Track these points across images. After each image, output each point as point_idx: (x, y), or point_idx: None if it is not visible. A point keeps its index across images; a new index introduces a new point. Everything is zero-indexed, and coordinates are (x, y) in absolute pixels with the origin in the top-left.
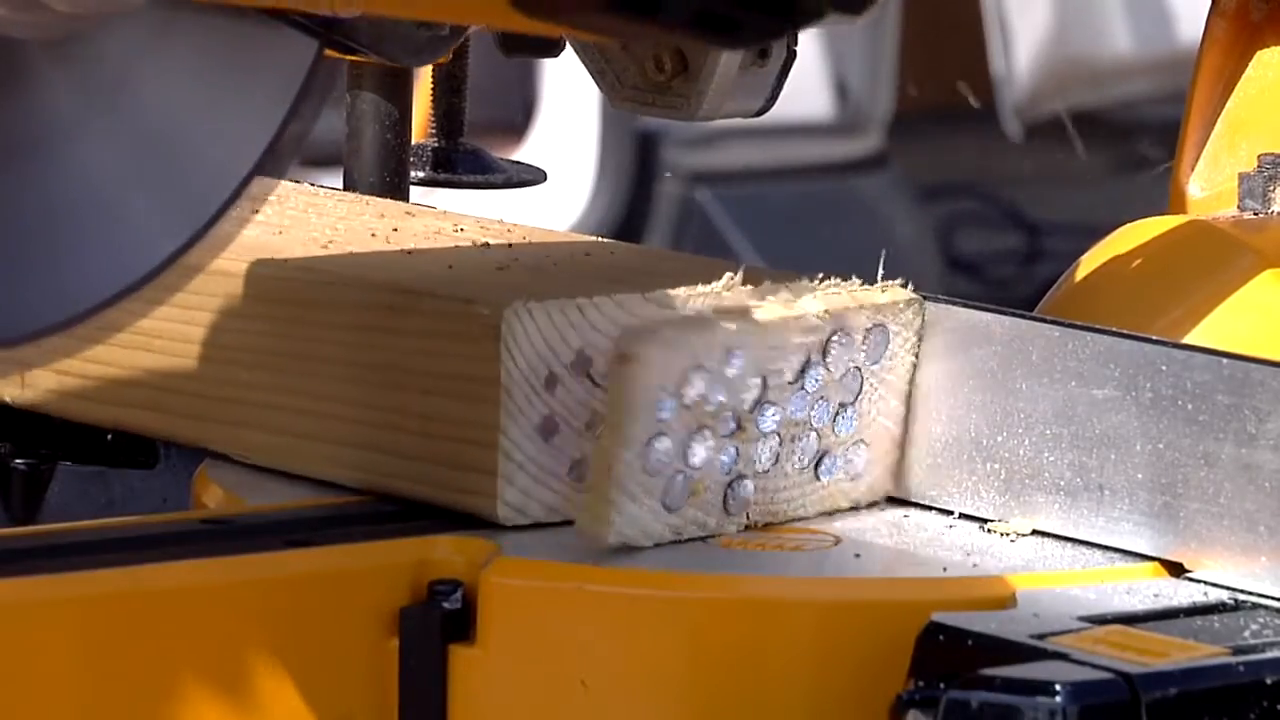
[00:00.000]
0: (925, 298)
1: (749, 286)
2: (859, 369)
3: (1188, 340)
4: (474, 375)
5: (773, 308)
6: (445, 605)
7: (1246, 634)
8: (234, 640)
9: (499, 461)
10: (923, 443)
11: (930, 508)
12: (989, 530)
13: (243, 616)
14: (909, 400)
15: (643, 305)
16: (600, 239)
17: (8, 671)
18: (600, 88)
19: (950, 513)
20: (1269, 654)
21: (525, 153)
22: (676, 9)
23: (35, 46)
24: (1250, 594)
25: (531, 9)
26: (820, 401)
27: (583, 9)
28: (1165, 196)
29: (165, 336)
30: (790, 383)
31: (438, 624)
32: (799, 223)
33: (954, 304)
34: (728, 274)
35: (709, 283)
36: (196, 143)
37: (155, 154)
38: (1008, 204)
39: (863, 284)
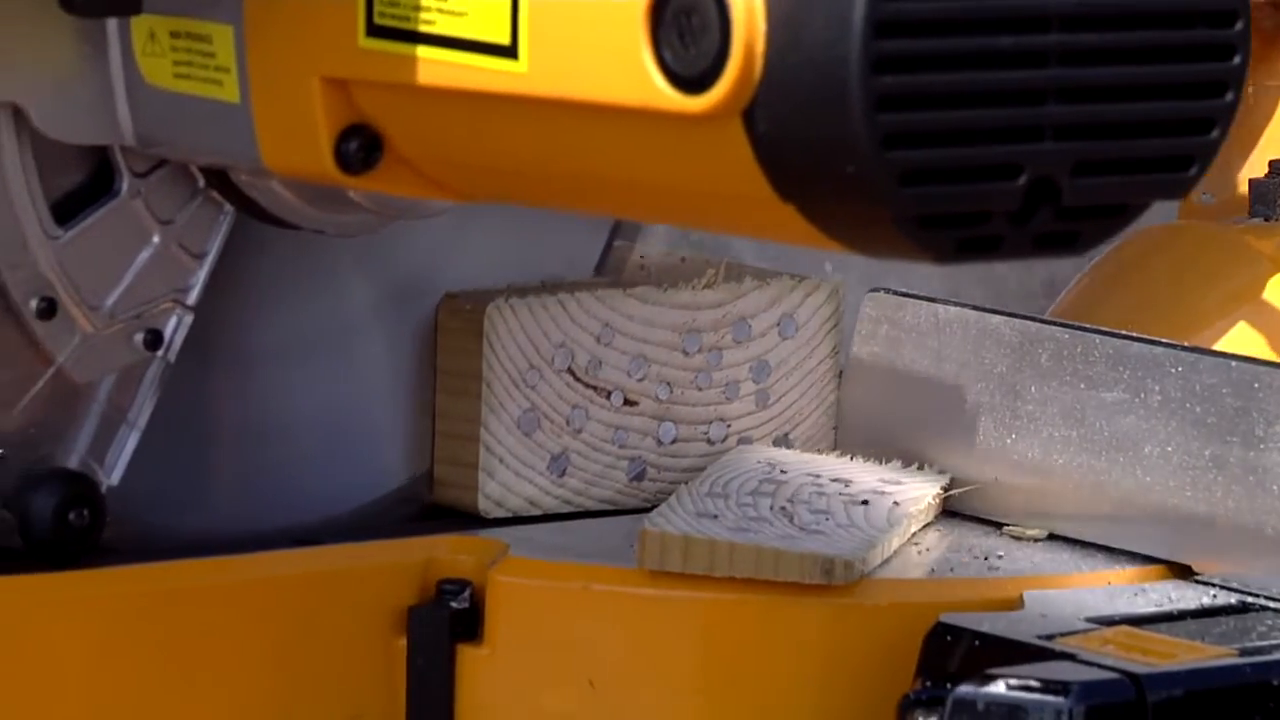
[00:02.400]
0: (936, 301)
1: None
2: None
3: (1197, 344)
4: (455, 369)
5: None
6: (453, 605)
7: (1254, 635)
8: (243, 638)
9: (480, 454)
10: (930, 444)
11: (946, 510)
12: (1004, 533)
13: (252, 615)
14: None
15: (623, 300)
16: None
17: (18, 667)
18: None
19: (962, 515)
20: (1276, 655)
21: None
22: (1018, 244)
23: (341, 243)
24: (1258, 596)
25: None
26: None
27: (928, 258)
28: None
29: None
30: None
31: (446, 623)
32: None
33: (964, 307)
34: (710, 270)
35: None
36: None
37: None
38: None
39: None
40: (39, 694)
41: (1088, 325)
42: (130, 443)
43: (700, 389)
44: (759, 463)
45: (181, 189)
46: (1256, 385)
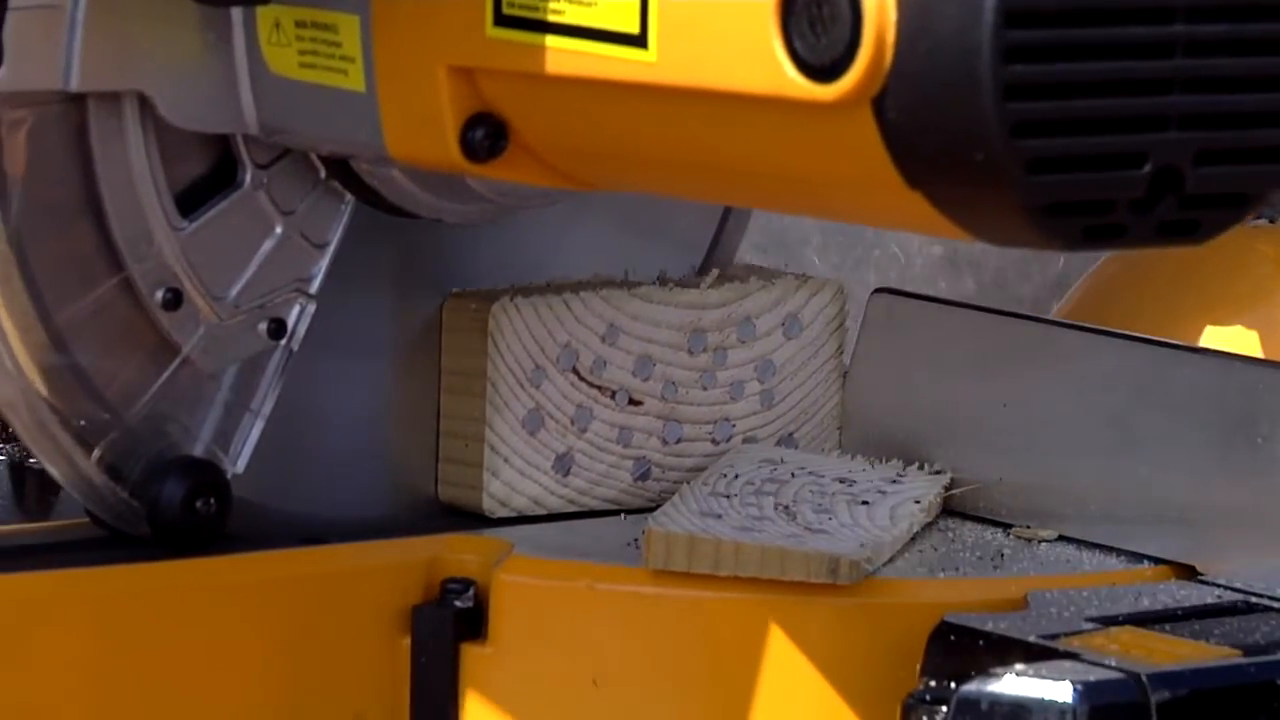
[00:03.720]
0: (940, 301)
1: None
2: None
3: (1202, 345)
4: (460, 369)
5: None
6: (457, 604)
7: (1257, 635)
8: (247, 637)
9: (484, 454)
10: (934, 444)
11: (950, 510)
12: (1013, 534)
13: (256, 614)
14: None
15: (628, 299)
16: None
17: (20, 666)
18: None
19: (966, 515)
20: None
21: None
22: (1141, 232)
23: (463, 229)
24: (1262, 596)
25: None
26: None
27: (1054, 245)
28: None
29: None
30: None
31: (450, 622)
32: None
33: (968, 307)
34: (715, 269)
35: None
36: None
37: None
38: None
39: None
40: (40, 694)
41: (1093, 325)
42: (255, 431)
43: (705, 389)
44: (762, 462)
45: (303, 179)
46: (1261, 386)
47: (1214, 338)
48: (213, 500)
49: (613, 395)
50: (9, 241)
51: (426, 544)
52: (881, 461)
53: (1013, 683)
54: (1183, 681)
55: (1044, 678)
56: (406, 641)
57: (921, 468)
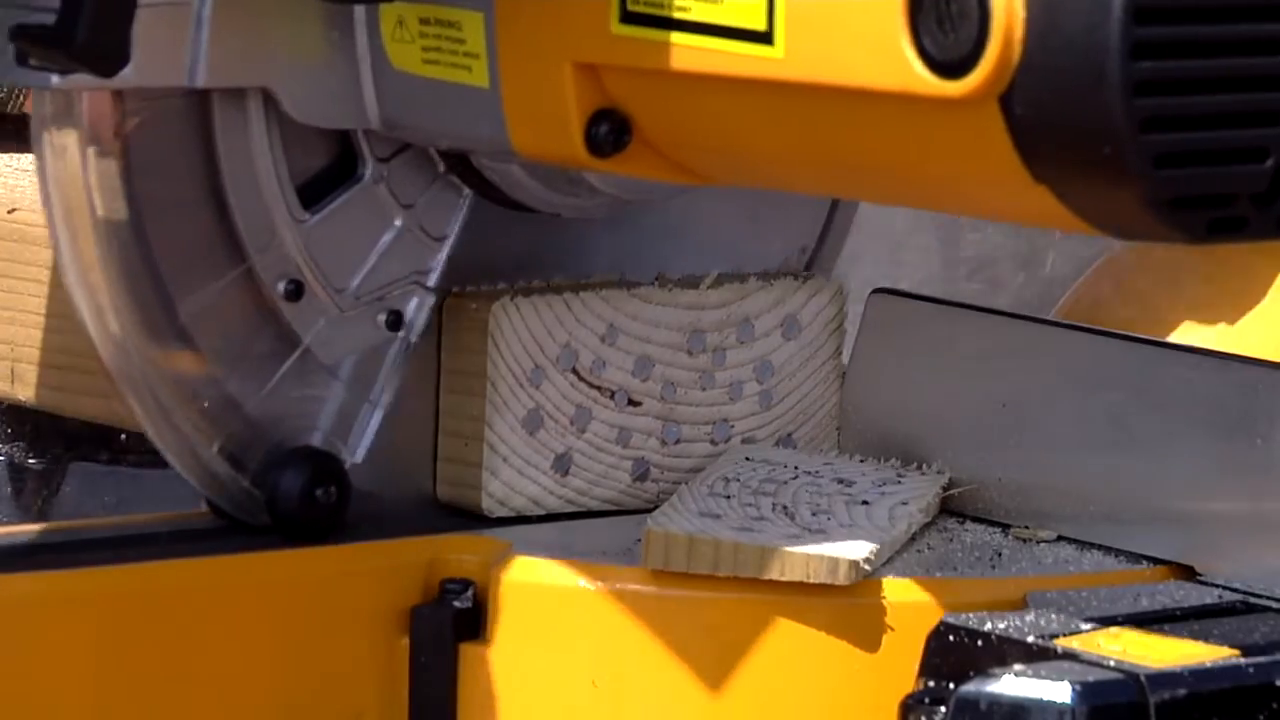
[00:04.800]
0: (938, 301)
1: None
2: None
3: (1200, 345)
4: (460, 368)
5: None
6: (456, 604)
7: (1256, 636)
8: (246, 637)
9: (484, 454)
10: (933, 444)
11: (948, 510)
12: (1013, 534)
13: (253, 614)
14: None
15: (627, 300)
16: None
17: (19, 665)
18: None
19: (964, 515)
20: (1279, 656)
21: None
22: (1262, 225)
23: (580, 224)
24: (1261, 596)
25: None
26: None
27: (1178, 238)
28: None
29: None
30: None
31: (449, 622)
32: None
33: (968, 308)
34: (715, 270)
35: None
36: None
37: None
38: None
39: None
40: (39, 693)
41: (1091, 325)
42: (374, 422)
43: (704, 389)
44: (760, 462)
45: (422, 173)
46: (1260, 386)
47: (1212, 338)
48: (333, 489)
49: (612, 395)
50: (134, 232)
51: (425, 544)
52: (880, 462)
53: (1011, 683)
54: (1181, 682)
55: (1042, 678)
56: (405, 641)
57: (920, 468)
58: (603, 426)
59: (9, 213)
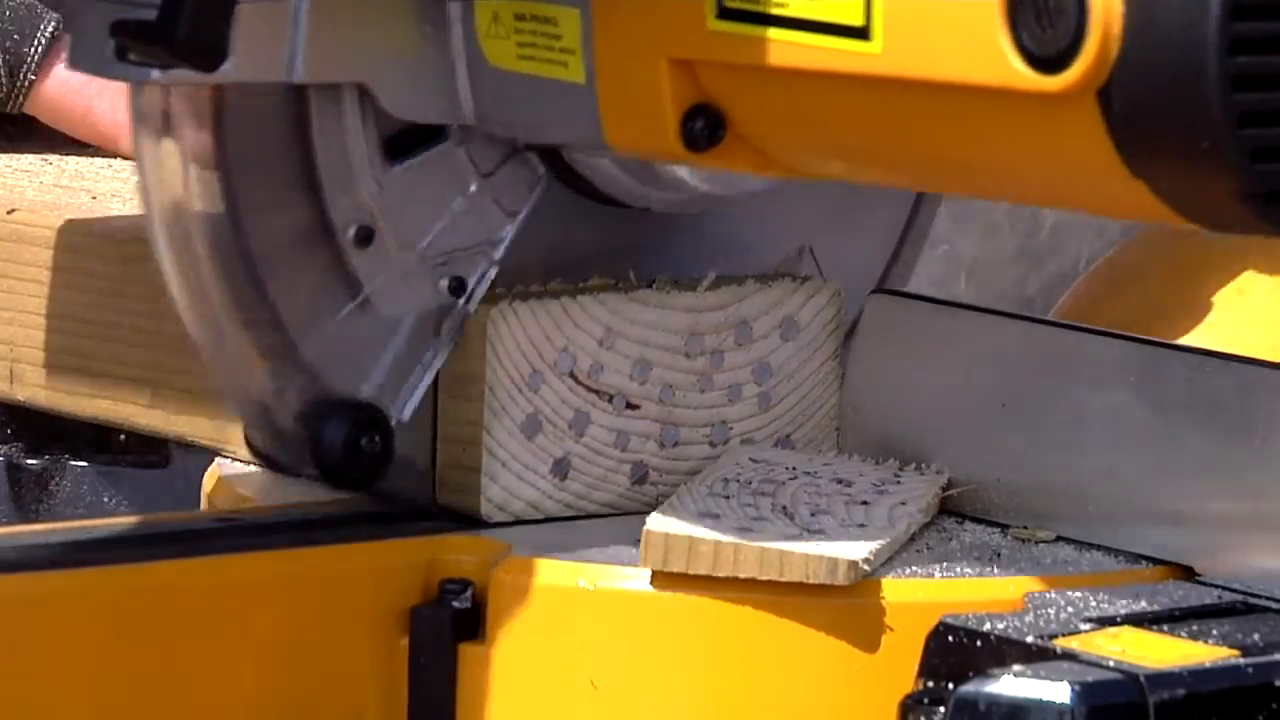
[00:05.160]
0: (937, 302)
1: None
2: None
3: (1199, 345)
4: (458, 373)
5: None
6: (455, 604)
7: (1256, 636)
8: (244, 637)
9: (482, 459)
10: (932, 445)
11: (947, 511)
12: (1011, 535)
13: (253, 614)
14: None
15: (625, 303)
16: None
17: (19, 665)
18: None
19: (964, 515)
20: (1278, 656)
21: None
22: None
23: (672, 219)
24: (1260, 597)
25: None
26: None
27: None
28: None
29: (163, 333)
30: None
31: (448, 623)
32: None
33: (967, 309)
34: (711, 273)
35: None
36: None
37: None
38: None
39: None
40: (37, 693)
41: (1090, 326)
42: (423, 385)
43: (702, 392)
44: (758, 463)
45: (503, 146)
46: (1259, 386)
47: (1211, 338)
48: (377, 439)
49: (610, 399)
50: (216, 162)
51: (424, 545)
52: (879, 462)
53: (1010, 683)
54: (1181, 682)
55: (1042, 678)
56: (405, 642)
57: (919, 468)
58: (601, 430)
59: (8, 213)
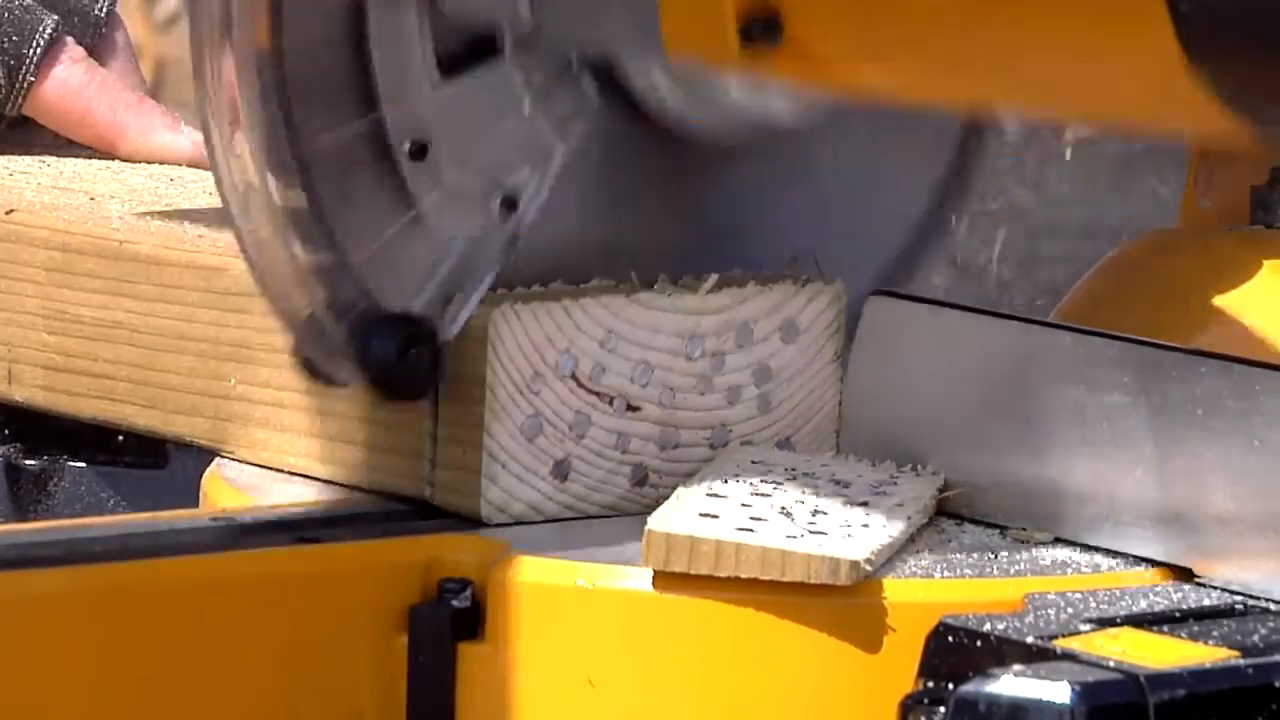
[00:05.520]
0: (938, 303)
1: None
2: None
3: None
4: (459, 375)
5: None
6: (454, 603)
7: (1256, 637)
8: (243, 637)
9: (483, 460)
10: (933, 446)
11: (946, 512)
12: (1010, 536)
13: (252, 613)
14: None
15: (627, 306)
16: None
17: (17, 665)
18: None
19: (963, 517)
20: (1278, 657)
21: None
22: None
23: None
24: (1259, 599)
25: None
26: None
27: None
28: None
29: (161, 333)
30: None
31: (447, 622)
32: None
33: (964, 310)
34: (713, 274)
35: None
36: (858, 217)
37: (827, 223)
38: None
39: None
40: (36, 692)
41: (1090, 328)
42: (471, 303)
43: (702, 394)
44: (757, 464)
45: (557, 67)
46: (1258, 388)
47: (1210, 341)
48: (426, 351)
49: (611, 401)
50: (272, 62)
51: (423, 544)
52: (877, 463)
53: (1010, 684)
54: (1181, 683)
55: (1042, 678)
56: (403, 641)
57: (915, 469)
58: (602, 432)
59: (6, 213)
